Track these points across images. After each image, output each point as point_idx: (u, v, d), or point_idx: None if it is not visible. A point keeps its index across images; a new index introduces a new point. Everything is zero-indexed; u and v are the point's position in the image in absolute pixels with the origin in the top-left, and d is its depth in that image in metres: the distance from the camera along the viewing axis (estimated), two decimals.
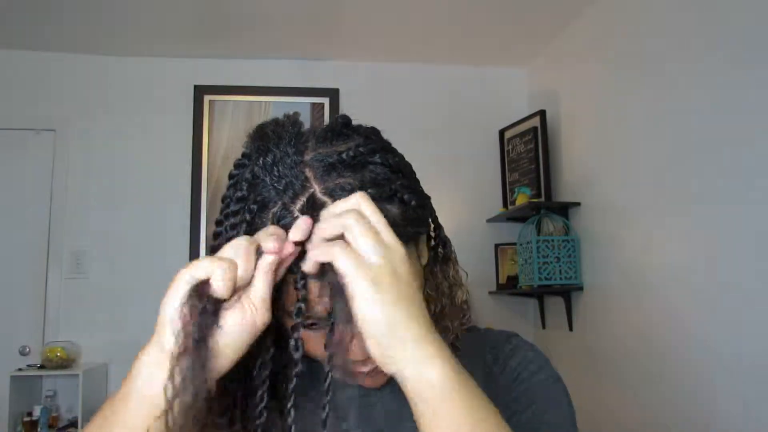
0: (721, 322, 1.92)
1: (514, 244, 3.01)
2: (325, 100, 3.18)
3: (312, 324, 0.57)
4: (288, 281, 0.54)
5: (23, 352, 2.88)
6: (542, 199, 2.88)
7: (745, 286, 1.82)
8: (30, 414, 2.71)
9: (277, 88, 3.17)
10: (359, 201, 0.50)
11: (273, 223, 0.54)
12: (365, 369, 0.59)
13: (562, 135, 2.97)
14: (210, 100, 3.15)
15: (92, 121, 3.09)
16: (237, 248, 0.49)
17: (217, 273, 0.48)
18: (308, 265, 0.50)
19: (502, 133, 3.25)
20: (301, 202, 0.54)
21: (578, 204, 2.78)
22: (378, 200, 0.53)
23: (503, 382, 0.66)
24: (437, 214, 0.66)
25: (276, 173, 0.55)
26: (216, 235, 0.60)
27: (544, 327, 3.08)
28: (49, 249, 2.98)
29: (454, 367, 0.48)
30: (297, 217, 0.53)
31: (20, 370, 2.71)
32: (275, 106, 3.15)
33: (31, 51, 3.07)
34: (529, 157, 3.01)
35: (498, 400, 0.62)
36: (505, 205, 3.19)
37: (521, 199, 2.94)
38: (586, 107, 2.78)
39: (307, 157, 0.56)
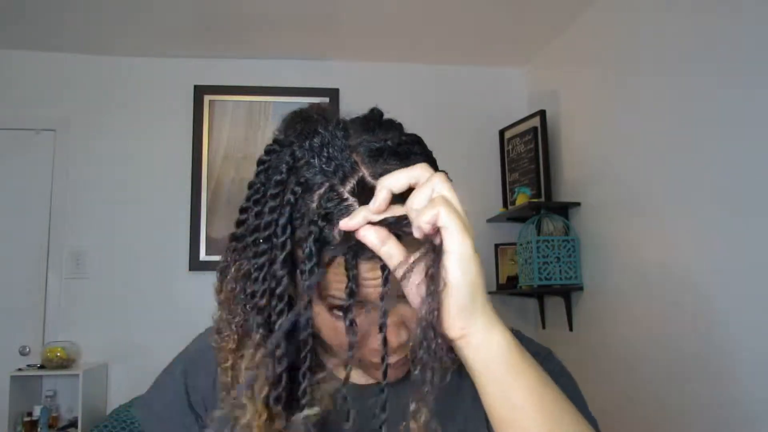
0: (721, 322, 1.92)
1: (514, 244, 3.01)
2: (325, 100, 3.18)
3: (346, 308, 0.55)
4: (329, 264, 0.54)
5: (23, 352, 2.88)
6: (542, 199, 2.88)
7: (745, 285, 1.82)
8: (30, 414, 2.71)
9: (277, 88, 3.17)
10: (426, 167, 0.51)
11: (320, 206, 0.53)
12: (393, 359, 0.59)
13: (562, 135, 2.97)
14: (210, 100, 3.15)
15: (92, 121, 3.09)
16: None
17: None
18: (417, 229, 0.49)
19: (502, 133, 3.25)
20: (351, 185, 0.54)
21: (578, 204, 2.78)
22: None
23: None
24: None
25: (325, 154, 0.55)
26: (240, 223, 0.59)
27: (544, 327, 3.08)
28: (49, 249, 2.98)
29: (512, 337, 0.51)
30: (347, 199, 0.53)
31: (20, 370, 2.71)
32: (275, 106, 3.15)
33: (32, 51, 3.07)
34: (529, 157, 3.01)
35: None
36: (505, 205, 3.19)
37: (521, 199, 2.94)
38: (586, 107, 2.78)
39: (354, 142, 0.56)
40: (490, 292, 3.14)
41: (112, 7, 2.67)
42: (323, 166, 0.54)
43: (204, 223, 3.04)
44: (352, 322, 0.52)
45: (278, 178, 0.55)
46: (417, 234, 0.49)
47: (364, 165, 0.55)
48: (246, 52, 3.15)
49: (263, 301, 0.54)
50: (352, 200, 0.53)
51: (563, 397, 0.52)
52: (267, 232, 0.54)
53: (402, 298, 0.55)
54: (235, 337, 0.59)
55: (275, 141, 0.59)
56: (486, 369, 0.49)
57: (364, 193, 0.53)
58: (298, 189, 0.54)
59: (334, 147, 0.55)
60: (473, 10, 2.75)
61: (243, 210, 0.59)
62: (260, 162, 0.59)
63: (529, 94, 3.33)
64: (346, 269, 0.53)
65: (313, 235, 0.52)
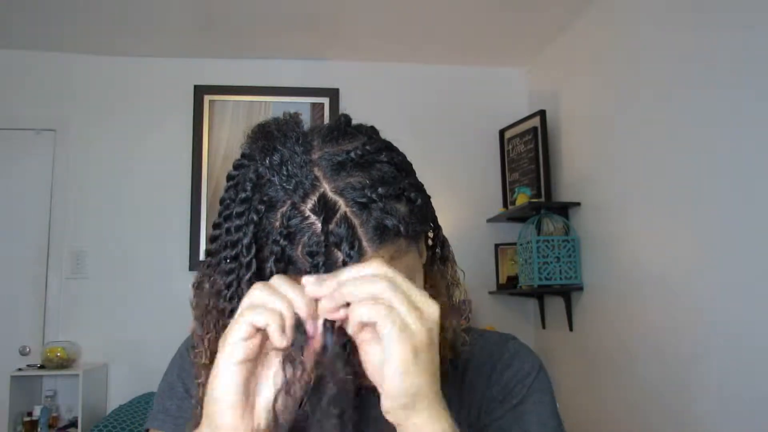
0: (721, 322, 1.92)
1: (514, 244, 3.01)
2: (325, 100, 3.18)
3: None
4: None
5: (23, 352, 2.88)
6: (542, 199, 2.88)
7: (745, 285, 1.82)
8: (30, 414, 2.71)
9: (277, 88, 3.17)
10: (380, 266, 0.48)
11: (282, 225, 0.53)
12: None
13: (562, 135, 2.97)
14: (210, 100, 3.15)
15: (92, 121, 3.09)
16: (286, 287, 0.48)
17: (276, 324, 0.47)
18: (351, 326, 0.48)
19: (502, 133, 3.25)
20: (312, 202, 0.53)
21: (578, 204, 2.78)
22: (387, 199, 0.54)
23: (496, 392, 0.67)
24: (437, 214, 0.66)
25: (285, 172, 0.54)
26: (214, 239, 0.59)
27: (544, 327, 3.08)
28: (49, 249, 2.98)
29: (450, 424, 0.49)
30: (308, 217, 0.53)
31: (20, 370, 2.71)
32: (275, 106, 3.15)
33: (32, 51, 3.07)
34: (529, 157, 3.01)
35: (491, 406, 0.64)
36: (505, 205, 3.19)
37: (521, 199, 2.94)
38: (587, 107, 2.78)
39: (315, 156, 0.55)
40: (490, 293, 3.17)
41: (112, 7, 2.67)
42: (284, 184, 0.54)
43: (204, 223, 3.04)
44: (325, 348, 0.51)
45: (243, 195, 0.55)
46: (350, 330, 0.48)
47: (326, 180, 0.54)
48: (246, 52, 3.15)
49: (231, 320, 0.54)
50: (313, 218, 0.53)
51: None
52: (234, 251, 0.55)
53: None
54: (208, 353, 0.59)
55: (242, 155, 0.58)
56: None
57: (326, 210, 0.52)
58: (262, 207, 0.54)
59: (293, 164, 0.54)
60: (473, 10, 2.75)
61: (216, 226, 0.59)
62: (229, 177, 0.58)
63: (529, 94, 3.33)
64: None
65: (275, 255, 0.52)
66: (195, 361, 0.61)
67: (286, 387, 0.49)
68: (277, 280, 0.49)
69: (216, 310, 0.59)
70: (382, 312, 0.46)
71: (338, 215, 0.52)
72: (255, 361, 0.48)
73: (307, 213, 0.53)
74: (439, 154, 3.17)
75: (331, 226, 0.52)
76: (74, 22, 2.80)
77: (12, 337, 2.90)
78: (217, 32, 2.94)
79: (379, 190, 0.54)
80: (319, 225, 0.52)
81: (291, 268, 0.53)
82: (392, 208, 0.54)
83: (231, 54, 3.16)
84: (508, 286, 3.09)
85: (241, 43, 3.06)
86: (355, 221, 0.53)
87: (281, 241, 0.52)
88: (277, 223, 0.53)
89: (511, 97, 3.34)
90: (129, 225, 3.04)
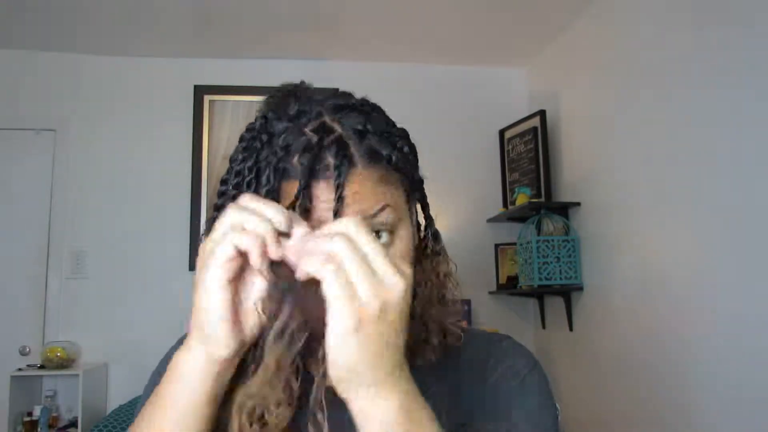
0: (721, 322, 1.92)
1: (514, 244, 3.01)
2: None
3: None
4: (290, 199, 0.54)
5: (23, 352, 2.88)
6: (542, 199, 2.88)
7: (745, 284, 1.82)
8: (30, 414, 2.71)
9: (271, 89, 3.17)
10: (350, 225, 0.46)
11: (282, 141, 0.56)
12: None
13: (562, 135, 2.97)
14: (210, 100, 3.15)
15: (92, 121, 3.09)
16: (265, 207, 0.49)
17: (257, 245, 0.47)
18: (300, 272, 0.47)
19: (502, 133, 3.25)
20: (312, 126, 0.57)
21: (578, 204, 2.78)
22: (380, 135, 0.58)
23: (490, 389, 0.64)
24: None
25: (294, 109, 0.59)
26: (221, 194, 0.60)
27: (544, 327, 3.08)
28: (49, 249, 2.98)
29: (403, 408, 0.46)
30: (305, 134, 0.56)
31: (20, 370, 2.71)
32: None
33: (31, 51, 3.07)
34: (529, 157, 3.01)
35: (485, 405, 0.63)
36: (505, 205, 3.19)
37: (521, 199, 2.94)
38: (587, 107, 2.78)
39: (320, 99, 0.61)
40: (490, 293, 3.16)
41: (113, 7, 2.67)
42: (289, 112, 0.58)
43: (204, 223, 3.04)
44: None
45: (250, 135, 0.59)
46: (299, 274, 0.47)
47: (327, 114, 0.58)
48: (246, 52, 3.15)
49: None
50: (310, 135, 0.56)
51: None
52: (236, 180, 0.57)
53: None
54: None
55: (256, 119, 0.62)
56: (361, 429, 0.46)
57: (323, 131, 0.55)
58: (265, 137, 0.58)
59: (301, 102, 0.59)
60: (473, 10, 2.75)
61: (223, 181, 0.60)
62: (241, 139, 0.61)
63: (529, 94, 3.33)
64: (299, 190, 0.53)
65: (271, 165, 0.56)
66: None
67: (268, 292, 0.49)
68: (250, 200, 0.49)
69: None
70: (330, 270, 0.44)
71: (334, 135, 0.56)
72: (239, 276, 0.49)
73: (305, 131, 0.56)
74: (438, 154, 3.16)
75: (326, 141, 0.55)
76: (74, 23, 2.80)
77: (12, 337, 2.90)
78: (217, 32, 2.94)
79: (374, 125, 0.58)
80: (315, 138, 0.55)
81: (284, 178, 0.56)
82: (385, 142, 0.58)
83: (231, 54, 3.16)
84: (508, 286, 3.09)
85: (241, 43, 3.06)
86: (349, 141, 0.56)
87: (278, 152, 0.56)
88: (279, 145, 0.57)
89: (511, 97, 3.34)
90: (129, 225, 3.04)
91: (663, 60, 2.21)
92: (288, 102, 0.60)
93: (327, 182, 0.54)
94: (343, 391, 0.46)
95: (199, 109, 3.13)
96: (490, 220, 3.21)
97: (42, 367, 2.73)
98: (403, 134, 0.64)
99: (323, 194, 0.54)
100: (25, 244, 2.99)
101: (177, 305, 2.94)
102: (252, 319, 0.50)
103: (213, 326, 0.48)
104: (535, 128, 2.97)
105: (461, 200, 3.22)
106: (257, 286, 0.50)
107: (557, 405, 0.66)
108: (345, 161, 0.54)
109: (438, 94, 3.31)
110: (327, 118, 0.57)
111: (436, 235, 0.67)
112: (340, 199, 0.53)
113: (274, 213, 0.48)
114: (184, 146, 3.10)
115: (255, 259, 0.47)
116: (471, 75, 3.37)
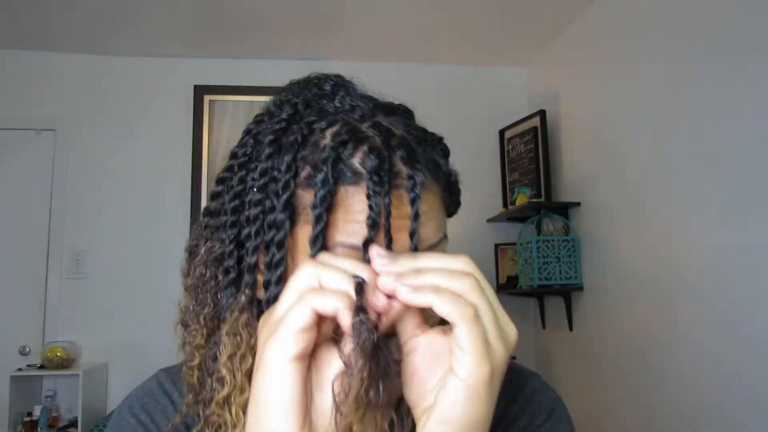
0: (720, 321, 1.92)
1: (514, 244, 3.01)
2: None
3: (365, 244, 0.45)
4: (339, 204, 0.45)
5: (23, 352, 2.88)
6: (542, 199, 2.88)
7: (744, 285, 1.82)
8: (30, 414, 2.71)
9: (277, 88, 3.14)
10: (469, 264, 0.41)
11: (336, 135, 0.46)
12: None
13: (562, 135, 2.97)
14: (210, 100, 3.15)
15: (92, 121, 3.09)
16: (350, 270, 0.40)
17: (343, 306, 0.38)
18: (408, 324, 0.40)
19: (502, 133, 3.25)
20: (369, 123, 0.48)
21: (578, 204, 2.78)
22: (436, 149, 0.51)
23: (514, 425, 0.60)
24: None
25: (341, 94, 0.50)
26: (216, 195, 0.53)
27: (544, 327, 3.08)
28: (49, 249, 2.98)
29: None
30: (365, 132, 0.47)
31: (20, 370, 2.71)
32: None
33: (31, 51, 3.07)
34: (529, 157, 3.01)
35: None
36: (505, 205, 3.19)
37: (521, 199, 2.94)
38: (586, 107, 2.78)
39: (371, 102, 0.52)
40: None
41: (112, 7, 2.67)
42: (337, 104, 0.49)
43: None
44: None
45: (277, 126, 0.49)
46: (405, 329, 0.41)
47: (378, 114, 0.50)
48: (246, 52, 3.15)
49: (253, 259, 0.48)
50: (372, 133, 0.47)
51: None
52: (262, 180, 0.48)
53: None
54: (204, 331, 0.52)
55: (266, 110, 0.53)
56: None
57: (386, 131, 0.47)
58: (306, 129, 0.48)
59: (349, 92, 0.50)
60: (474, 10, 2.75)
61: (221, 181, 0.52)
62: (247, 131, 0.52)
63: (529, 94, 3.33)
64: (368, 197, 0.44)
65: (330, 159, 0.45)
66: (187, 341, 0.54)
67: (349, 369, 0.39)
68: (327, 256, 0.41)
69: (213, 281, 0.52)
70: (469, 315, 0.38)
71: (397, 137, 0.47)
72: (310, 355, 0.40)
73: (364, 128, 0.47)
74: None
75: (393, 142, 0.46)
76: (74, 22, 2.80)
77: (12, 337, 2.90)
78: (217, 32, 2.94)
79: (428, 136, 0.51)
80: (379, 140, 0.46)
81: (342, 179, 0.45)
82: (440, 157, 0.51)
83: (231, 54, 3.16)
84: (508, 286, 3.09)
85: (241, 43, 3.06)
86: (415, 147, 0.48)
87: (337, 147, 0.45)
88: (326, 140, 0.47)
89: (511, 97, 3.34)
90: (129, 225, 3.04)
91: (663, 60, 2.21)
92: (333, 91, 0.51)
93: (398, 193, 0.45)
94: None
95: (199, 109, 3.13)
96: (490, 220, 3.21)
97: (42, 367, 2.73)
98: (447, 151, 0.55)
99: (396, 208, 0.45)
100: (25, 244, 2.99)
101: (177, 305, 2.95)
102: (323, 421, 0.39)
103: (277, 420, 0.38)
104: (535, 128, 2.97)
105: (461, 200, 3.22)
106: (333, 367, 0.39)
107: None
108: (418, 172, 0.45)
109: (438, 94, 3.31)
110: (381, 119, 0.49)
111: None
112: (416, 217, 0.44)
113: (360, 269, 0.40)
114: (184, 146, 3.10)
115: (344, 314, 0.38)
116: (471, 75, 3.37)
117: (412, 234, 0.44)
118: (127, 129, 3.11)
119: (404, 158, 0.45)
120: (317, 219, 0.44)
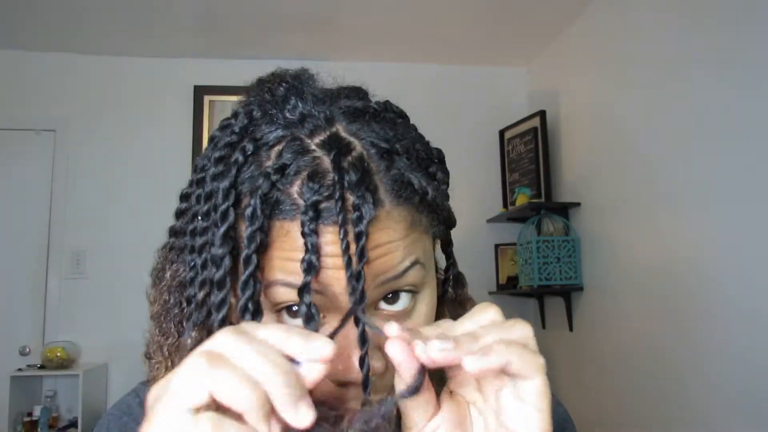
0: (720, 322, 1.91)
1: (514, 244, 3.01)
2: None
3: (301, 289, 0.38)
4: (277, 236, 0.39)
5: (23, 352, 2.88)
6: (542, 199, 2.88)
7: (744, 285, 1.82)
8: (30, 414, 2.71)
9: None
10: (496, 313, 0.36)
11: (278, 158, 0.40)
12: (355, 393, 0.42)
13: (562, 135, 2.97)
14: (210, 100, 3.15)
15: (92, 121, 3.09)
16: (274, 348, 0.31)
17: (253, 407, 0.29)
18: (475, 365, 0.32)
19: (502, 133, 3.25)
20: (322, 137, 0.41)
21: (578, 204, 2.78)
22: (411, 158, 0.43)
23: None
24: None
25: (291, 104, 0.43)
26: (181, 213, 0.48)
27: (544, 327, 3.08)
28: (49, 249, 2.98)
29: None
30: (312, 151, 0.40)
31: (20, 370, 2.71)
32: None
33: (31, 51, 3.07)
34: (529, 158, 3.01)
35: None
36: (505, 205, 3.19)
37: (521, 199, 2.94)
38: (586, 107, 2.78)
39: (336, 105, 0.44)
40: (490, 293, 3.16)
41: (112, 7, 2.67)
42: (287, 114, 0.42)
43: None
44: (310, 307, 0.37)
45: (228, 140, 0.43)
46: (472, 368, 0.32)
47: (339, 123, 0.43)
48: (246, 52, 3.15)
49: (201, 294, 0.43)
50: (320, 153, 0.40)
51: None
52: (207, 206, 0.42)
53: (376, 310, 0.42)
54: (168, 363, 0.47)
55: (233, 115, 0.46)
56: None
57: (339, 147, 0.40)
58: (250, 147, 0.41)
59: (303, 98, 0.43)
60: (474, 10, 2.75)
61: (184, 197, 0.48)
62: (211, 139, 0.45)
63: (529, 94, 3.33)
64: (303, 235, 0.38)
65: (260, 191, 0.39)
66: (152, 377, 0.49)
67: None
68: (254, 326, 0.32)
69: (178, 308, 0.47)
70: (542, 366, 0.33)
71: (353, 155, 0.41)
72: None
73: (313, 147, 0.41)
74: None
75: (344, 164, 0.39)
76: (74, 23, 2.80)
77: (12, 337, 2.90)
78: (217, 32, 2.94)
79: (403, 143, 0.43)
80: (328, 160, 0.40)
81: (277, 212, 0.40)
82: (417, 169, 0.43)
83: (231, 54, 3.16)
84: (508, 287, 3.09)
85: (241, 43, 3.06)
86: (372, 165, 0.41)
87: (272, 175, 0.39)
88: (270, 161, 0.41)
89: (511, 97, 3.34)
90: (129, 225, 3.03)
91: (662, 59, 2.21)
92: (285, 97, 0.43)
93: (335, 228, 0.39)
94: None
95: (199, 109, 3.13)
96: (490, 221, 3.21)
97: (42, 367, 2.73)
98: (440, 156, 0.48)
99: (330, 245, 0.39)
100: (25, 244, 2.99)
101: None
102: None
103: None
104: (535, 128, 2.97)
105: (461, 200, 3.21)
106: None
107: None
108: (368, 196, 0.39)
109: (438, 94, 3.31)
110: (341, 128, 0.42)
111: (458, 278, 0.54)
112: (362, 255, 0.38)
113: (298, 342, 0.31)
114: (184, 147, 3.10)
115: (258, 425, 0.29)
116: (471, 75, 3.37)
117: (358, 276, 0.37)
118: (127, 129, 3.11)
119: (352, 184, 0.39)
120: (245, 262, 0.38)
